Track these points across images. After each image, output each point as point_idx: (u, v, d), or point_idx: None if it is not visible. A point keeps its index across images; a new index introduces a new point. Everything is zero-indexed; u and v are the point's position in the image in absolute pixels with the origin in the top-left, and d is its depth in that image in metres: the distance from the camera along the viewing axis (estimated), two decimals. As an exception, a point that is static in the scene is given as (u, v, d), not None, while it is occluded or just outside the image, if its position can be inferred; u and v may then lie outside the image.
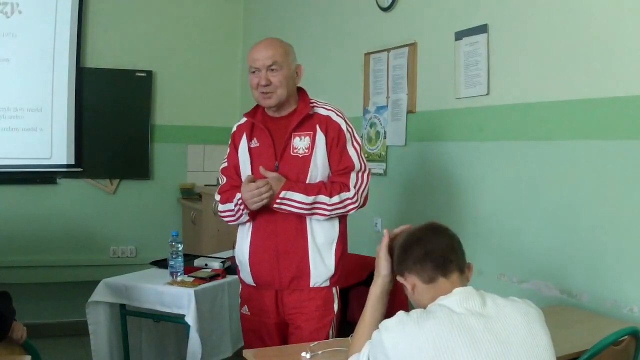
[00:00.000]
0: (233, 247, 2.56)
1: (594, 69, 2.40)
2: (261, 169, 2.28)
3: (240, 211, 2.31)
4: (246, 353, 1.90)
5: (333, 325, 2.34)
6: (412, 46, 3.40)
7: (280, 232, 2.30)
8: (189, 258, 3.17)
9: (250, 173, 2.34)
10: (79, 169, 5.13)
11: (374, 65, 3.71)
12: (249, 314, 2.42)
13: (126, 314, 2.96)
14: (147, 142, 5.40)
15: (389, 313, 1.60)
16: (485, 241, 2.90)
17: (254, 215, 2.32)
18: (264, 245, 2.33)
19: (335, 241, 2.34)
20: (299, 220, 2.30)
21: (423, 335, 1.35)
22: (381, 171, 3.64)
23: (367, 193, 2.37)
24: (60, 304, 4.62)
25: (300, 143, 2.31)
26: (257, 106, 2.41)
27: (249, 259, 2.35)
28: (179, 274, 2.94)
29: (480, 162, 2.97)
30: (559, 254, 2.56)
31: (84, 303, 2.92)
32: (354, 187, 2.30)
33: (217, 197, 2.43)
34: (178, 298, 2.78)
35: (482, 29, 2.91)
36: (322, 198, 2.25)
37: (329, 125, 2.32)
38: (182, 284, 2.86)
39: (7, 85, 4.87)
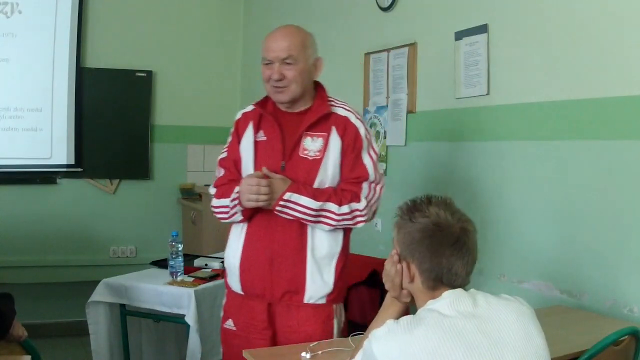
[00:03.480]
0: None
1: (594, 69, 2.40)
2: (264, 170, 2.07)
3: (235, 207, 2.11)
4: (246, 353, 1.89)
5: None
6: (412, 46, 3.39)
7: (278, 238, 2.11)
8: (189, 258, 3.18)
9: (252, 168, 2.14)
10: (79, 169, 5.12)
11: (374, 65, 3.71)
12: (234, 329, 2.20)
13: (126, 314, 2.96)
14: (147, 142, 5.40)
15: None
16: (485, 241, 2.89)
17: (249, 215, 2.13)
18: (258, 251, 2.13)
19: (337, 256, 2.16)
20: (300, 229, 2.11)
21: (414, 342, 1.31)
22: (381, 171, 3.63)
23: (377, 207, 2.18)
24: (60, 304, 4.62)
25: (312, 144, 2.12)
26: (269, 97, 2.21)
27: (240, 264, 2.16)
28: (179, 274, 2.94)
29: (480, 162, 2.97)
30: (559, 254, 2.56)
31: (84, 303, 2.92)
32: (365, 198, 2.11)
33: (212, 191, 2.23)
34: (178, 298, 2.78)
35: (482, 29, 2.90)
36: (331, 206, 2.06)
37: (347, 128, 2.12)
38: (182, 284, 2.87)
39: (7, 85, 4.87)
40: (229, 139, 2.26)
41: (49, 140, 5.02)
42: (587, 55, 2.43)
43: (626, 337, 1.90)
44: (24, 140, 4.95)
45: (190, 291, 2.75)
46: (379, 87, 3.67)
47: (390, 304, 1.60)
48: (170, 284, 2.88)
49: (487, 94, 2.90)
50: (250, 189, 2.03)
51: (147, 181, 5.47)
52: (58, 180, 5.16)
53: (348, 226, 2.15)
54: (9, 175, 4.94)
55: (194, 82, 5.59)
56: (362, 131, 2.15)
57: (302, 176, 2.11)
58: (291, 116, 2.17)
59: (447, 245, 1.43)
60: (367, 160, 2.15)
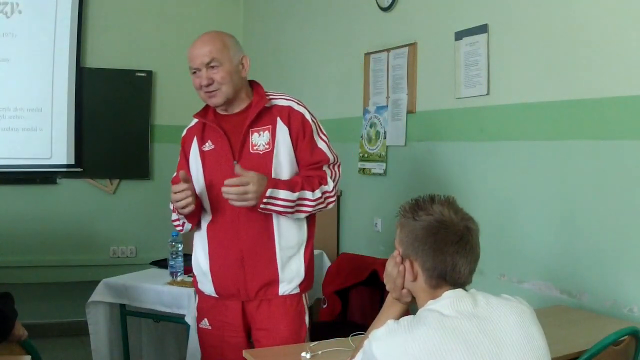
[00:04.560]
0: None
1: (593, 69, 2.40)
2: (237, 168, 2.04)
3: (180, 216, 2.17)
4: (246, 353, 1.89)
5: (307, 340, 2.18)
6: (412, 46, 3.39)
7: (244, 235, 2.13)
8: (189, 258, 3.16)
9: (202, 178, 2.18)
10: (79, 169, 5.12)
11: (374, 65, 3.71)
12: (209, 327, 2.23)
13: (126, 314, 2.96)
14: (147, 142, 5.40)
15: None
16: (485, 241, 2.87)
17: (197, 221, 2.19)
18: (227, 252, 2.15)
19: (304, 244, 2.19)
20: (265, 222, 2.12)
21: (415, 342, 1.31)
22: (381, 171, 3.64)
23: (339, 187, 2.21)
24: (60, 304, 4.62)
25: (259, 139, 2.14)
26: (208, 105, 2.23)
27: (210, 267, 2.18)
28: (179, 274, 2.94)
29: (480, 162, 2.97)
30: (558, 254, 2.56)
31: (84, 303, 2.92)
32: (331, 178, 2.15)
33: (171, 207, 2.24)
34: (178, 298, 2.78)
35: (482, 29, 2.90)
36: (306, 193, 2.09)
37: (291, 116, 2.14)
38: (182, 284, 2.87)
39: (7, 85, 4.87)
40: (179, 158, 2.33)
41: (49, 140, 5.02)
42: (587, 55, 2.43)
43: (626, 337, 1.90)
44: (24, 140, 4.95)
45: (190, 291, 2.74)
46: (379, 87, 3.67)
47: (391, 305, 1.60)
48: (170, 284, 2.88)
49: (487, 94, 2.90)
50: (175, 196, 2.07)
51: (147, 181, 5.47)
52: (58, 180, 5.16)
53: (321, 210, 2.17)
54: (9, 175, 4.94)
55: (194, 82, 5.59)
56: (307, 116, 2.18)
57: (256, 171, 2.08)
58: (233, 118, 2.20)
59: (451, 243, 1.43)
60: (321, 144, 2.19)
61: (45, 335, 3.89)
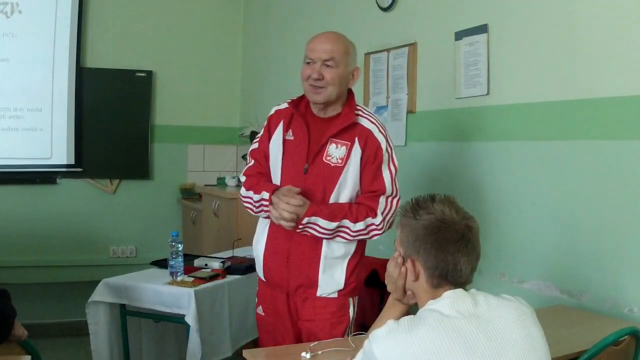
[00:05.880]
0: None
1: (594, 69, 2.40)
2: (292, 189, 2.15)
3: (262, 208, 2.22)
4: (246, 353, 1.89)
5: (349, 332, 2.24)
6: (412, 46, 3.39)
7: (296, 237, 2.20)
8: (189, 258, 3.17)
9: (279, 168, 2.23)
10: (79, 169, 5.13)
11: (374, 65, 3.71)
12: (263, 314, 2.35)
13: (126, 314, 2.96)
14: (147, 142, 5.41)
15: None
16: (485, 241, 2.87)
17: None
18: (278, 247, 2.25)
19: (350, 256, 2.24)
20: None
21: (415, 343, 1.31)
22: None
23: (393, 220, 2.22)
24: (60, 304, 4.62)
25: (335, 151, 2.18)
26: (303, 97, 2.27)
27: (264, 255, 2.30)
28: (179, 274, 2.93)
29: (480, 162, 2.97)
30: (559, 254, 2.56)
31: (84, 303, 2.92)
32: (382, 213, 2.18)
33: (242, 179, 2.35)
34: (178, 298, 2.78)
35: (482, 29, 2.91)
36: (346, 222, 2.15)
37: (368, 141, 2.18)
38: (182, 284, 2.86)
39: (7, 85, 4.87)
40: (262, 132, 2.35)
41: (49, 140, 5.03)
42: (586, 55, 2.43)
43: (626, 337, 1.90)
44: (24, 140, 4.95)
45: (190, 291, 2.74)
46: (379, 87, 3.67)
47: (392, 306, 1.60)
48: (170, 284, 2.87)
49: (487, 94, 2.90)
50: (280, 214, 2.12)
51: (147, 181, 5.48)
52: (58, 180, 5.17)
53: (364, 239, 2.24)
54: (9, 175, 4.95)
55: (194, 82, 5.60)
56: (383, 145, 2.21)
57: (323, 180, 2.18)
58: (320, 120, 2.24)
59: (453, 242, 1.43)
60: (386, 174, 2.22)
61: (45, 335, 3.89)
